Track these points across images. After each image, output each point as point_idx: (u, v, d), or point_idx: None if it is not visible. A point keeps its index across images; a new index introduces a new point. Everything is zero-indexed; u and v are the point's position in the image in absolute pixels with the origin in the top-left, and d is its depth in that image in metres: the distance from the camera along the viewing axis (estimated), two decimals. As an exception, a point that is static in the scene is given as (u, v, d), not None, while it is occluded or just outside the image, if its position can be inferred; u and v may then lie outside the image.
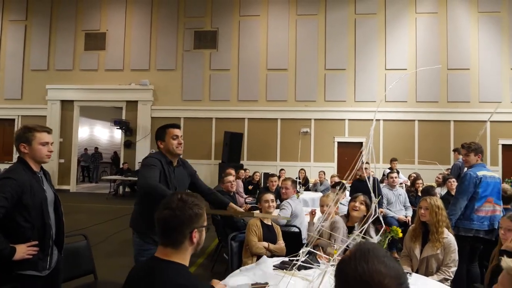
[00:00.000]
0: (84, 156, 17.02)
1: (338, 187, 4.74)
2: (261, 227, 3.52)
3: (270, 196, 3.78)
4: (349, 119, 12.86)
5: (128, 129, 13.62)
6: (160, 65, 13.76)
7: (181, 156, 3.04)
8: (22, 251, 2.06)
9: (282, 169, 10.15)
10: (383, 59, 12.90)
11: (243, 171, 9.44)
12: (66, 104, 13.99)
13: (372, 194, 2.63)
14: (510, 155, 12.34)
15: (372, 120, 2.50)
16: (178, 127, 2.92)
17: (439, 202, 3.06)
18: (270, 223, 3.65)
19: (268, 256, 3.26)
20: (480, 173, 3.77)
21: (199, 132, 13.38)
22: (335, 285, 1.01)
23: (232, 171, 4.89)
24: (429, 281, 2.54)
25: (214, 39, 13.61)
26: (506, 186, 5.09)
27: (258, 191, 7.47)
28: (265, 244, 3.42)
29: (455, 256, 2.85)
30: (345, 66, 13.00)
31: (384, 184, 6.48)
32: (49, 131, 2.33)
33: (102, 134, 19.84)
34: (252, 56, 13.38)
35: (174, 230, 1.41)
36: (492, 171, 3.95)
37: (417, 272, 2.89)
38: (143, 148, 13.55)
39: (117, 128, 14.05)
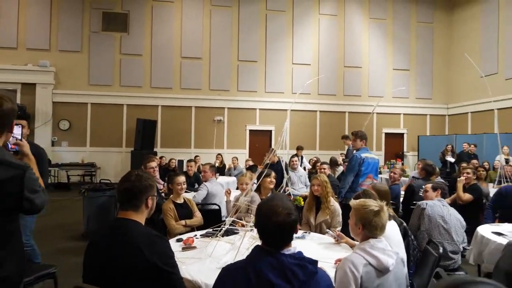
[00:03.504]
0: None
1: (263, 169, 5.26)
2: (174, 208, 3.79)
3: (181, 179, 3.95)
4: (260, 109, 13.71)
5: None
6: (63, 45, 12.71)
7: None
8: None
9: (197, 155, 10.46)
10: (291, 54, 14.01)
11: (159, 159, 9.49)
12: None
13: (284, 172, 3.25)
14: (391, 142, 14.69)
15: (282, 110, 3.06)
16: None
17: (325, 178, 3.82)
18: (182, 201, 3.92)
19: (188, 231, 3.64)
20: (363, 155, 4.72)
21: (109, 118, 12.84)
22: (255, 220, 1.55)
23: (155, 158, 5.07)
24: (322, 236, 3.26)
25: (125, 22, 13.06)
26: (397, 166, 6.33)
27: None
28: (182, 222, 3.73)
29: (339, 219, 3.64)
30: (257, 58, 13.77)
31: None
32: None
33: (-12, 120, 17.38)
34: (166, 43, 13.25)
35: (134, 197, 1.80)
36: (372, 154, 4.93)
37: (314, 233, 3.60)
38: (43, 135, 12.44)
39: (10, 113, 12.57)
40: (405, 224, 3.40)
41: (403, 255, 2.43)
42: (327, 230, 3.12)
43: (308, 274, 1.45)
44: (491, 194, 5.65)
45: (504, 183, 6.56)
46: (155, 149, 12.44)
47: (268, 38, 13.88)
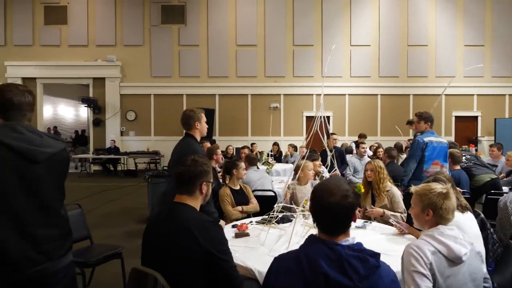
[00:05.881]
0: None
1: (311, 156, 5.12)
2: (231, 194, 3.86)
3: (243, 165, 4.08)
4: (316, 94, 13.33)
5: (97, 107, 13.38)
6: (127, 40, 13.46)
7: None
8: None
9: (253, 143, 10.51)
10: (348, 36, 13.36)
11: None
12: (28, 82, 13.37)
13: (329, 155, 3.10)
14: (462, 126, 13.43)
15: (340, 95, 2.91)
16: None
17: (381, 163, 3.60)
18: (238, 187, 3.98)
19: (244, 218, 3.65)
20: (427, 139, 4.25)
21: (170, 108, 13.38)
22: (310, 201, 1.43)
23: (218, 146, 5.39)
24: (385, 226, 3.04)
25: (182, 13, 13.43)
26: (454, 150, 5.75)
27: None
28: (239, 208, 3.78)
29: (401, 205, 3.39)
30: (313, 42, 13.34)
31: (353, 154, 7.02)
32: (204, 113, 3.08)
33: (67, 113, 19.20)
34: (221, 32, 13.39)
35: (188, 181, 1.83)
36: (440, 137, 4.47)
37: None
38: (113, 126, 13.43)
39: (84, 106, 13.73)
40: (482, 215, 3.05)
41: (481, 249, 2.16)
42: (391, 220, 2.90)
43: (369, 268, 1.32)
44: None
45: None
46: (213, 137, 12.76)
47: (324, 21, 13.35)
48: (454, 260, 1.67)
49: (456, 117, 13.47)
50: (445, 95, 12.67)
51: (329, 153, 3.00)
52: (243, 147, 6.94)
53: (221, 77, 13.43)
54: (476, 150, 12.49)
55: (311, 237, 1.44)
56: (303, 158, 3.64)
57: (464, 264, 1.68)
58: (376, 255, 1.36)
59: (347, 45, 13.32)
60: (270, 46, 13.37)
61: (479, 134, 13.39)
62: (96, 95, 13.46)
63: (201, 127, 2.97)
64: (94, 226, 5.28)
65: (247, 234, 2.75)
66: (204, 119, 2.99)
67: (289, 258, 1.44)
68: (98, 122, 13.54)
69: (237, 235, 2.73)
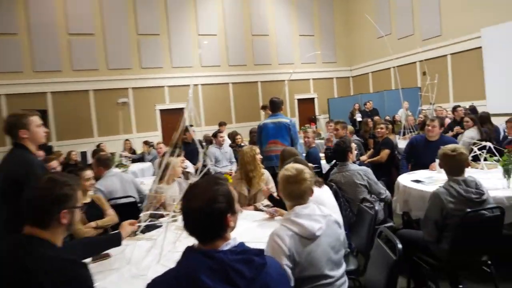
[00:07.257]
0: None
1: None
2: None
3: (88, 173, 3.44)
4: (168, 86, 12.82)
5: None
6: None
7: None
8: None
9: (101, 143, 9.34)
10: (195, 25, 13.22)
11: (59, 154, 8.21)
12: None
13: (199, 147, 2.86)
14: (303, 107, 15.19)
15: (190, 85, 2.65)
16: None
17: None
18: (88, 200, 3.34)
19: (100, 234, 3.08)
20: (261, 123, 4.62)
21: (-15, 113, 10.72)
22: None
23: (55, 155, 4.31)
24: (255, 213, 3.00)
25: (-12, -6, 10.75)
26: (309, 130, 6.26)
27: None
28: (93, 224, 3.13)
29: (272, 183, 3.46)
30: (158, 31, 12.68)
31: (211, 144, 6.94)
32: (38, 114, 2.47)
33: None
34: (47, 19, 11.30)
35: (40, 210, 1.33)
36: (282, 118, 4.74)
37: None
38: None
39: None
40: (335, 186, 3.33)
41: (339, 217, 2.33)
42: (261, 207, 2.87)
43: (255, 269, 1.17)
44: (400, 145, 6.08)
45: (408, 133, 7.15)
46: (49, 144, 10.79)
47: (169, 9, 12.82)
48: (309, 237, 1.74)
49: (298, 99, 15.11)
50: (288, 80, 14.01)
51: (200, 149, 2.73)
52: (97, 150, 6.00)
53: (52, 72, 11.38)
54: (316, 127, 14.33)
55: (188, 249, 1.20)
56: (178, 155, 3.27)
57: (321, 237, 1.76)
58: (261, 252, 1.21)
59: (195, 35, 13.18)
60: (111, 36, 12.06)
61: (316, 113, 15.39)
62: None
63: (32, 134, 2.39)
64: None
65: (107, 255, 2.24)
66: (35, 123, 2.42)
67: (166, 280, 1.14)
68: None
69: (95, 259, 2.20)
